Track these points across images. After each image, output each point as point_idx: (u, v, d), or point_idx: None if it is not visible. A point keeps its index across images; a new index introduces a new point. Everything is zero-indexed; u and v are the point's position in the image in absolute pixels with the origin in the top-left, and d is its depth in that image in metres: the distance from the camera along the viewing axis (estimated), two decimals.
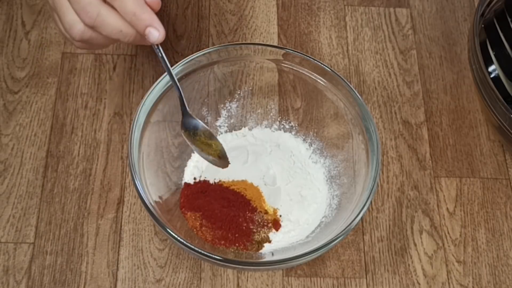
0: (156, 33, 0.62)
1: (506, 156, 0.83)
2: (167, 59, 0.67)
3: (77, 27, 0.63)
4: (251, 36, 0.89)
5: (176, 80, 0.68)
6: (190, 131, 0.70)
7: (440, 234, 0.77)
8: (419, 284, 0.74)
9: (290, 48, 0.77)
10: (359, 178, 0.72)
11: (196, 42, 0.88)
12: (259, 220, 0.74)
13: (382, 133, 0.83)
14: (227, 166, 0.71)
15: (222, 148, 0.70)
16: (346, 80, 0.74)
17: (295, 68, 0.77)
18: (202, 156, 0.71)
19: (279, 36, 0.90)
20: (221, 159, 0.70)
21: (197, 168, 0.77)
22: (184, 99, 0.69)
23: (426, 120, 0.84)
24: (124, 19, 0.62)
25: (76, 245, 0.74)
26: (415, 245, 0.76)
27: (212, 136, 0.69)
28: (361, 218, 0.67)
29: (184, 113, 0.70)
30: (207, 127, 0.70)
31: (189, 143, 0.71)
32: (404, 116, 0.85)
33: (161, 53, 0.66)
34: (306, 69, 0.76)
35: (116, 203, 0.76)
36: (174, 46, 0.87)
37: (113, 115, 0.82)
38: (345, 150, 0.76)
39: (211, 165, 0.74)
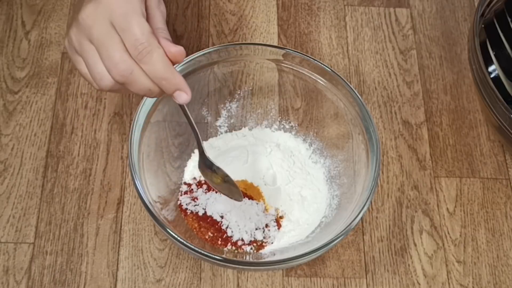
0: (184, 96, 0.62)
1: (506, 156, 0.83)
2: (191, 116, 0.67)
3: (107, 81, 0.62)
4: (251, 36, 0.89)
5: (200, 138, 0.69)
6: (207, 170, 0.71)
7: (440, 234, 0.77)
8: (419, 284, 0.74)
9: (290, 48, 0.77)
10: (359, 178, 0.72)
11: (196, 42, 0.88)
12: None
13: (382, 133, 0.83)
14: (241, 200, 0.71)
15: (235, 184, 0.71)
16: (346, 80, 0.74)
17: (295, 68, 0.77)
18: (218, 190, 0.72)
19: (279, 36, 0.90)
20: (236, 194, 0.71)
21: (197, 168, 0.77)
22: (203, 145, 0.70)
23: (426, 120, 0.84)
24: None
25: (76, 245, 0.74)
26: (415, 245, 0.76)
27: (226, 175, 0.70)
28: (361, 218, 0.67)
29: (202, 155, 0.70)
30: (221, 168, 0.70)
31: (207, 180, 0.72)
32: (404, 116, 0.85)
33: (186, 112, 0.67)
34: (306, 69, 0.76)
35: (116, 203, 0.76)
36: None
37: (113, 115, 0.82)
38: (345, 150, 0.76)
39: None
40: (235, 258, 0.71)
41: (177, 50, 0.62)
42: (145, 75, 0.61)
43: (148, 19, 0.63)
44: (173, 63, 0.62)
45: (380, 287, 0.74)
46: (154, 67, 0.60)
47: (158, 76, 0.61)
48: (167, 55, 0.61)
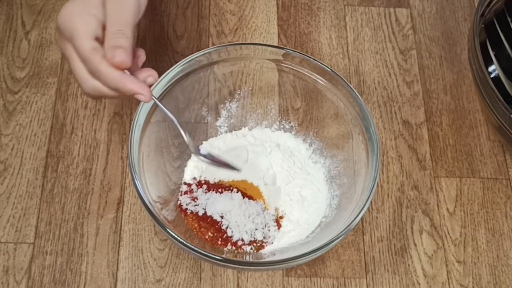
0: (142, 97, 0.64)
1: (506, 156, 0.83)
2: (165, 106, 0.68)
3: (85, 93, 0.66)
4: (251, 36, 0.89)
5: (178, 123, 0.69)
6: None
7: (440, 234, 0.77)
8: (419, 284, 0.74)
9: (290, 48, 0.77)
10: (359, 178, 0.72)
11: (196, 42, 0.88)
12: None
13: (382, 133, 0.83)
14: (240, 170, 0.72)
15: (221, 160, 0.72)
16: (346, 80, 0.74)
17: (295, 68, 0.77)
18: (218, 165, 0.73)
19: (279, 36, 0.90)
20: (232, 167, 0.71)
21: (197, 168, 0.77)
22: (180, 129, 0.70)
23: (426, 120, 0.84)
24: None
25: (76, 245, 0.74)
26: (415, 245, 0.76)
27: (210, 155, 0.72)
28: (361, 218, 0.67)
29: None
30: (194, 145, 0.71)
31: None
32: (404, 116, 0.85)
33: (156, 101, 0.68)
34: (306, 69, 0.76)
35: (116, 203, 0.76)
36: (174, 46, 0.87)
37: (113, 115, 0.82)
38: (345, 150, 0.76)
39: (211, 165, 0.75)
40: (235, 258, 0.71)
41: (119, 60, 0.62)
42: (106, 88, 0.64)
43: (107, 16, 0.64)
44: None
45: (380, 287, 0.74)
46: (105, 80, 0.63)
47: (112, 87, 0.63)
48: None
